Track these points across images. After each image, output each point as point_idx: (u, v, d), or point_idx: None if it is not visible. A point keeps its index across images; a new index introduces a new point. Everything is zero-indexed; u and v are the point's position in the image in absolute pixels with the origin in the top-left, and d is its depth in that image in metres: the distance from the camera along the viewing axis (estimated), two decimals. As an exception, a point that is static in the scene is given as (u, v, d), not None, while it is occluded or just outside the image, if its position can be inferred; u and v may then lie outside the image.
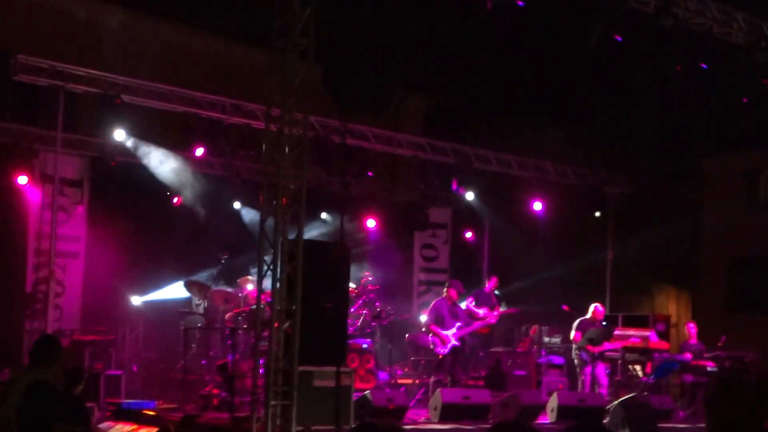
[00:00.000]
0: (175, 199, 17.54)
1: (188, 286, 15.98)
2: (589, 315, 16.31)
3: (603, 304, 17.17)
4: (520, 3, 12.36)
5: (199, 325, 15.33)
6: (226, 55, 20.32)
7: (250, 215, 18.07)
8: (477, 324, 15.87)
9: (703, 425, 13.86)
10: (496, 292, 18.28)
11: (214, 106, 16.46)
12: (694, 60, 13.91)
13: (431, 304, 15.74)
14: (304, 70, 11.32)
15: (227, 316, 14.77)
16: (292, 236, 11.14)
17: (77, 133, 16.91)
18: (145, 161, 16.91)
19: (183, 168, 17.24)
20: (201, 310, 15.69)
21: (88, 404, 11.82)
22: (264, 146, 11.37)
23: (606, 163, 21.65)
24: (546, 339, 18.38)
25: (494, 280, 18.61)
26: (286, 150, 11.27)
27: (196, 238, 17.49)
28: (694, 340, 17.00)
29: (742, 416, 3.96)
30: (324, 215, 19.49)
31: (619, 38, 13.14)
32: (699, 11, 13.70)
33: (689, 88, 17.26)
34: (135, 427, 10.57)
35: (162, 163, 16.98)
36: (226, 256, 16.38)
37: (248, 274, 15.42)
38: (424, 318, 16.12)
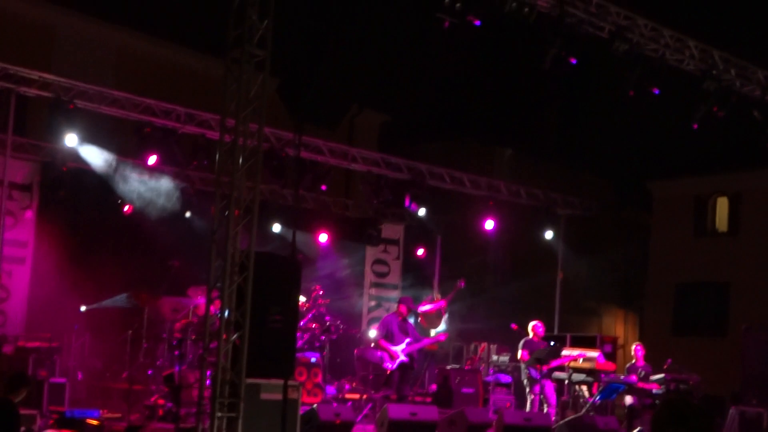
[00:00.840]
0: (126, 207, 17.38)
1: (136, 294, 15.80)
2: (530, 334, 16.43)
3: (547, 323, 17.25)
4: (477, 23, 12.41)
5: (145, 334, 15.18)
6: (182, 63, 20.24)
7: (201, 225, 17.95)
8: (426, 341, 15.88)
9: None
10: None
11: (169, 114, 16.35)
12: (646, 85, 14.07)
13: (381, 320, 15.74)
14: (260, 81, 11.30)
15: (176, 326, 14.64)
16: (243, 248, 11.09)
17: (28, 137, 16.72)
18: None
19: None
20: (146, 320, 15.54)
21: (31, 412, 11.69)
22: (218, 156, 11.32)
23: (558, 184, 21.83)
24: (494, 357, 18.45)
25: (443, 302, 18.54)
26: (240, 161, 11.23)
27: (146, 246, 17.33)
28: (640, 362, 17.15)
29: None
30: (276, 227, 19.43)
31: (573, 61, 13.26)
32: (653, 38, 13.91)
33: (641, 113, 17.51)
34: (78, 436, 10.42)
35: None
36: (175, 265, 16.22)
37: (198, 284, 15.30)
38: (373, 333, 16.10)
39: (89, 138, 16.16)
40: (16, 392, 8.61)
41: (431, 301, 16.51)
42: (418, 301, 17.30)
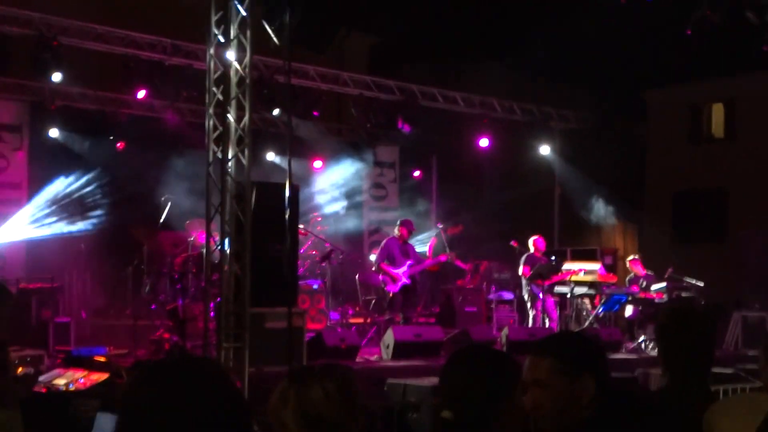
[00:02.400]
0: (118, 143, 17.23)
1: (134, 230, 15.73)
2: (531, 249, 16.44)
3: (546, 238, 17.22)
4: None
5: (147, 270, 15.12)
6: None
7: (195, 158, 17.79)
8: (428, 262, 15.88)
9: (650, 355, 14.08)
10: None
11: (154, 47, 16.09)
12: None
13: (382, 243, 15.70)
14: (246, 7, 11.09)
15: (176, 260, 14.60)
16: (239, 178, 11.00)
17: (13, 77, 16.46)
18: None
19: None
20: (147, 255, 15.48)
21: (38, 352, 11.71)
22: (207, 87, 11.16)
23: (551, 98, 21.63)
24: (496, 275, 18.47)
25: (459, 227, 18.49)
26: (231, 90, 11.09)
27: (141, 181, 17.19)
28: (642, 273, 17.19)
29: (693, 344, 4.00)
30: (270, 156, 19.31)
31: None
32: (644, -58, 13.64)
33: (634, 22, 17.25)
34: (86, 373, 10.43)
35: None
36: (169, 200, 16.11)
37: (196, 217, 15.22)
38: (374, 257, 16.06)
39: (76, 75, 15.92)
40: None
41: (433, 256, 16.37)
42: (419, 226, 17.22)
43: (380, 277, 15.33)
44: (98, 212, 17.45)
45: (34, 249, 16.81)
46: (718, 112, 25.23)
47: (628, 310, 16.54)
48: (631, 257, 17.93)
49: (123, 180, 17.41)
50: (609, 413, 3.32)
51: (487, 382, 3.12)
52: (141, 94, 15.92)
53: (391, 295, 15.11)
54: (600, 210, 23.13)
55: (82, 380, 10.28)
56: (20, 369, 10.05)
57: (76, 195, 17.32)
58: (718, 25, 14.56)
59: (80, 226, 17.34)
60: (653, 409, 3.80)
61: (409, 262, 15.12)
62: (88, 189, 17.31)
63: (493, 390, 3.10)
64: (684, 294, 16.49)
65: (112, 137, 17.16)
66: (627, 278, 17.75)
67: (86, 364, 10.97)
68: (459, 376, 3.21)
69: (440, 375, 3.30)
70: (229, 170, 11.00)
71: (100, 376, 10.33)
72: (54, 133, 16.94)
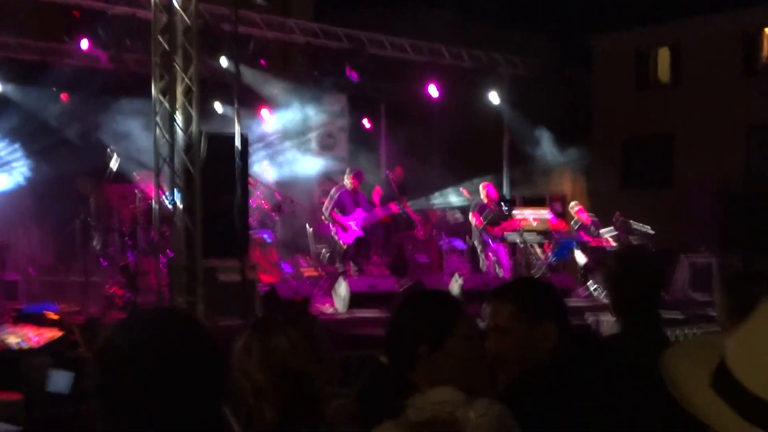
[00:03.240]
0: (62, 94, 16.87)
1: (80, 183, 15.45)
2: (482, 197, 16.42)
3: (498, 186, 17.26)
4: None
5: (95, 224, 14.88)
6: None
7: (139, 108, 17.49)
8: (379, 212, 15.83)
9: (601, 302, 14.24)
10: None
11: (97, -5, 15.69)
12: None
13: (333, 193, 15.58)
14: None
15: (124, 213, 14.38)
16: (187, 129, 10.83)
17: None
18: None
19: None
20: (94, 209, 15.22)
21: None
22: (153, 36, 10.95)
23: (500, 44, 21.55)
24: (450, 221, 18.48)
25: (398, 170, 18.40)
26: (177, 39, 10.88)
27: (86, 133, 16.88)
28: (588, 220, 17.26)
29: (643, 289, 4.05)
30: (217, 107, 19.03)
31: None
32: None
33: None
34: (38, 330, 10.27)
35: None
36: (115, 152, 15.83)
37: (144, 169, 14.98)
38: (326, 207, 15.96)
39: (15, 25, 15.52)
40: None
41: (382, 206, 16.27)
42: (369, 175, 17.14)
43: (332, 227, 15.25)
44: (42, 165, 17.09)
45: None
46: (663, 56, 25.38)
47: (581, 257, 16.64)
48: (573, 204, 17.94)
49: (67, 131, 17.06)
50: (568, 359, 3.33)
51: (417, 326, 3.07)
52: (84, 44, 15.55)
53: (344, 245, 15.05)
54: (548, 156, 23.23)
55: (35, 338, 10.13)
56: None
57: (18, 146, 16.94)
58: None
59: (21, 179, 17.00)
60: (610, 354, 3.83)
61: (360, 212, 15.06)
62: (31, 142, 16.92)
63: (421, 334, 3.05)
64: (633, 240, 16.65)
65: (55, 88, 16.77)
66: (574, 225, 17.85)
67: (38, 321, 10.81)
68: (396, 319, 3.18)
69: (389, 314, 3.29)
70: (177, 121, 10.83)
71: (53, 334, 10.19)
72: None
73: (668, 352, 3.67)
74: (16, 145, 16.83)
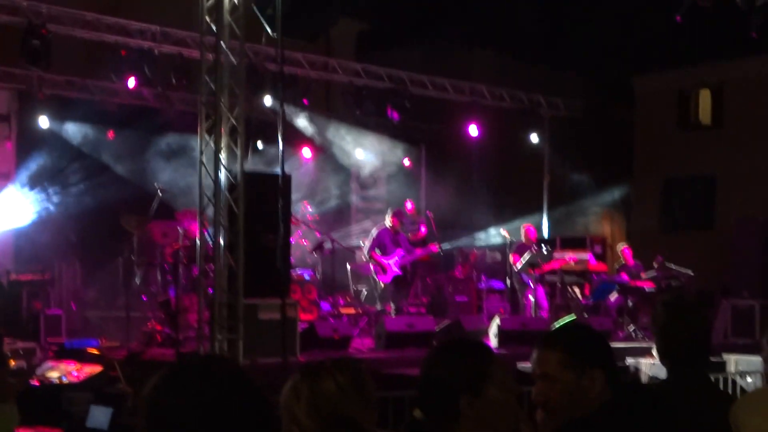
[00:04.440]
0: (109, 132, 17.12)
1: (125, 220, 15.62)
2: (522, 238, 16.44)
3: (538, 227, 17.25)
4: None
5: (138, 261, 15.03)
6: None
7: (186, 148, 17.71)
8: (418, 252, 15.84)
9: (641, 344, 14.10)
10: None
11: (144, 34, 15.95)
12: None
13: (374, 232, 15.64)
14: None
15: (167, 250, 14.51)
16: (231, 168, 10.95)
17: (1, 65, 16.31)
18: None
19: None
20: (138, 246, 15.37)
21: (29, 344, 11.66)
22: (201, 75, 11.10)
23: (541, 85, 21.59)
24: (489, 262, 18.48)
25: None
26: (223, 79, 11.02)
27: (132, 170, 17.09)
28: (630, 262, 17.20)
29: (690, 336, 4.05)
30: (259, 145, 19.20)
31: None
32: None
33: (623, 8, 17.27)
34: (79, 366, 10.38)
35: None
36: (161, 189, 16.03)
37: (186, 207, 15.14)
38: (365, 247, 16.00)
39: (65, 63, 15.80)
40: None
41: (422, 246, 16.30)
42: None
43: (371, 266, 15.29)
44: (87, 201, 17.32)
45: (23, 239, 16.69)
46: (705, 98, 25.26)
47: (613, 299, 16.57)
48: (621, 245, 17.94)
49: (113, 168, 17.29)
50: (616, 407, 3.32)
51: (454, 377, 3.08)
52: (131, 82, 15.79)
53: (382, 285, 15.08)
54: (588, 197, 23.17)
55: (75, 373, 10.24)
56: (12, 362, 9.99)
57: (66, 183, 17.19)
58: (707, 10, 14.56)
59: (66, 214, 17.23)
60: (658, 402, 3.81)
61: (400, 252, 15.09)
62: (78, 178, 17.17)
63: (460, 385, 3.06)
64: (673, 283, 16.52)
65: (102, 126, 17.04)
66: (616, 266, 17.77)
67: (79, 356, 10.92)
68: (430, 371, 3.18)
69: (420, 367, 3.29)
70: (222, 160, 10.95)
71: (93, 369, 10.29)
72: (43, 122, 16.80)
73: (738, 404, 3.64)
74: (63, 181, 17.08)
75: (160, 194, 14.44)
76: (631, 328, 15.76)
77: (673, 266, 16.93)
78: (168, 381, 2.20)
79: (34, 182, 16.82)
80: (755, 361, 11.58)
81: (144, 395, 2.21)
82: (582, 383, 3.28)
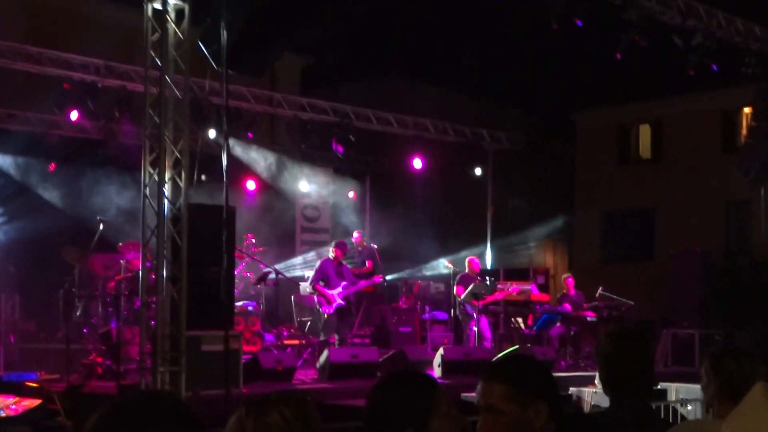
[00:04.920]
0: (50, 164, 17.00)
1: (65, 252, 15.48)
2: (467, 269, 16.61)
3: (482, 258, 17.44)
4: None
5: (78, 293, 14.89)
6: (99, 14, 19.69)
7: (128, 180, 17.64)
8: (362, 283, 15.91)
9: (584, 373, 14.27)
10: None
11: (87, 68, 15.92)
12: (569, 16, 14.10)
13: (317, 264, 15.70)
14: (183, 30, 11.08)
15: (109, 282, 14.41)
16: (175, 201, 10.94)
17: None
18: None
19: None
20: (78, 277, 15.23)
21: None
22: (147, 109, 11.10)
23: (484, 119, 21.88)
24: (433, 293, 18.62)
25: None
26: (167, 113, 11.03)
27: (73, 202, 16.97)
28: (572, 292, 17.44)
29: (633, 365, 4.11)
30: (204, 178, 19.14)
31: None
32: (574, -31, 13.90)
33: (565, 45, 17.59)
34: (17, 399, 10.23)
35: None
36: (102, 221, 15.93)
37: (128, 239, 15.06)
38: (309, 278, 16.05)
39: (7, 96, 15.71)
40: None
41: (367, 278, 16.41)
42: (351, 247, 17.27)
43: (315, 298, 15.33)
44: (27, 233, 17.14)
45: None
46: (645, 133, 25.78)
47: (555, 327, 16.80)
48: (565, 275, 18.20)
49: (54, 201, 17.15)
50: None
51: (400, 410, 3.12)
52: (74, 115, 15.73)
53: (326, 316, 15.12)
54: (531, 228, 23.44)
55: (14, 406, 10.09)
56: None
57: (6, 215, 17.01)
58: (646, 49, 14.92)
59: (4, 246, 17.05)
60: (601, 431, 3.86)
61: (343, 284, 15.15)
62: (18, 210, 16.99)
63: (405, 417, 3.10)
64: (614, 312, 16.77)
65: (43, 158, 16.92)
66: (558, 296, 17.99)
67: (17, 389, 10.77)
68: (375, 403, 3.21)
69: (365, 400, 3.31)
70: (165, 193, 10.94)
71: (32, 402, 10.14)
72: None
73: None
74: (3, 213, 16.89)
75: (101, 227, 14.34)
76: (573, 357, 15.95)
77: (614, 296, 17.19)
78: (109, 417, 2.22)
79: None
80: (695, 389, 11.79)
81: (85, 431, 2.23)
82: (526, 415, 3.29)
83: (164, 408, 2.25)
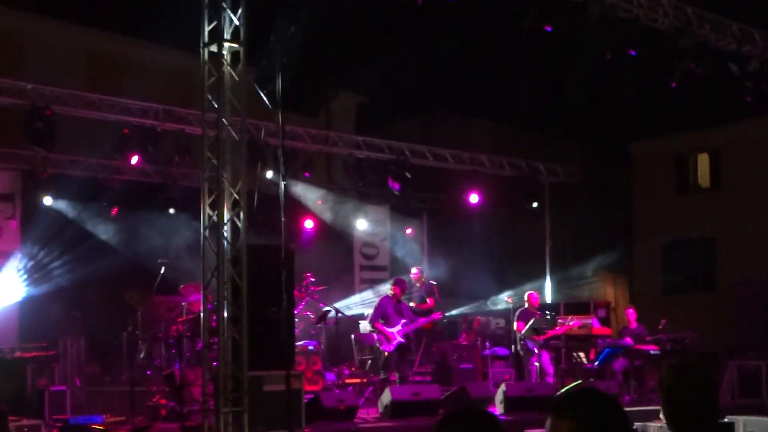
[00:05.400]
0: (112, 209, 17.29)
1: (128, 295, 15.69)
2: (526, 304, 16.53)
3: (541, 292, 17.35)
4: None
5: (141, 335, 15.06)
6: (155, 60, 20.07)
7: (188, 222, 17.87)
8: (421, 320, 15.89)
9: (649, 407, 14.07)
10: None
11: (146, 113, 16.22)
12: (622, 47, 14.08)
13: (376, 302, 15.73)
14: (239, 72, 11.24)
15: (171, 324, 14.56)
16: (234, 242, 11.05)
17: (6, 146, 16.54)
18: None
19: None
20: (141, 320, 15.40)
21: (34, 422, 11.65)
22: (205, 151, 11.26)
23: (539, 152, 21.83)
24: (493, 328, 18.52)
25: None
26: (225, 155, 11.17)
27: (135, 246, 17.21)
28: (634, 325, 17.25)
29: (697, 399, 4.02)
30: (263, 218, 19.32)
31: (548, 28, 13.26)
32: (625, -1, 13.91)
33: (619, 75, 17.51)
34: (84, 443, 10.37)
35: None
36: (164, 264, 16.13)
37: (190, 281, 15.22)
38: (368, 316, 16.07)
39: (68, 143, 16.03)
40: None
41: (426, 315, 16.40)
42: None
43: (375, 336, 15.33)
44: (91, 278, 17.41)
45: (27, 316, 16.76)
46: (703, 161, 25.50)
47: (617, 364, 16.61)
48: (627, 307, 18.05)
49: (116, 244, 17.41)
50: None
51: None
52: (134, 159, 16.02)
53: (386, 354, 15.10)
54: (590, 261, 23.25)
55: (81, 450, 10.22)
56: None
57: (70, 260, 17.29)
58: (702, 76, 14.82)
59: (69, 291, 17.32)
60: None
61: (403, 321, 15.14)
62: (81, 254, 17.27)
63: None
64: (677, 345, 16.52)
65: (105, 203, 17.21)
66: (619, 329, 17.79)
67: (84, 433, 10.91)
68: None
69: None
70: (225, 234, 11.06)
71: (99, 445, 10.27)
72: (47, 201, 16.99)
73: None
74: (67, 258, 17.19)
75: (163, 269, 14.53)
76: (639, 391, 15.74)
77: (676, 329, 16.96)
78: None
79: (38, 259, 16.93)
80: (764, 421, 11.58)
81: None
82: None
83: None
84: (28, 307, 16.81)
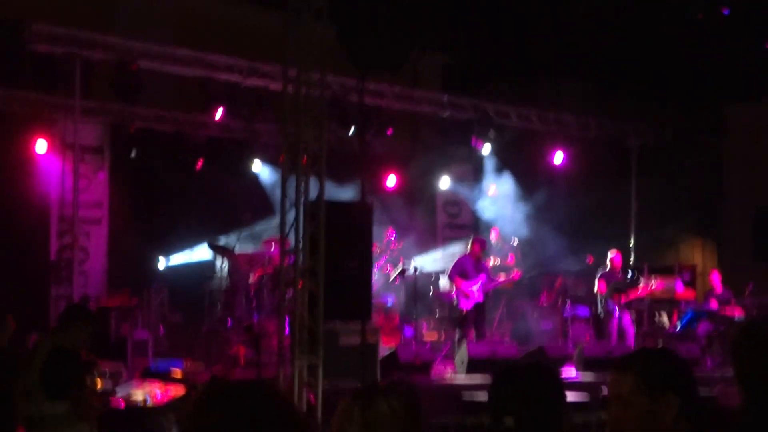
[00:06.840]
0: (197, 163, 17.55)
1: (212, 248, 16.00)
2: (608, 265, 16.32)
3: (622, 253, 17.09)
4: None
5: (223, 286, 15.35)
6: (241, 16, 20.17)
7: (271, 178, 18.07)
8: (501, 279, 15.85)
9: (730, 373, 13.85)
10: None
11: (231, 68, 16.36)
12: (715, 6, 13.73)
13: (456, 259, 15.71)
14: (320, 29, 11.27)
15: (251, 277, 14.82)
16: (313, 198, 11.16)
17: (95, 100, 16.87)
18: None
19: None
20: (225, 272, 15.69)
21: (117, 366, 11.99)
22: (284, 107, 11.34)
23: (628, 114, 21.43)
24: (574, 288, 18.36)
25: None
26: (304, 110, 11.24)
27: (219, 201, 17.48)
28: (719, 289, 16.92)
29: (766, 356, 3.91)
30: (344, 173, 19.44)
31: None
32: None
33: (711, 36, 17.07)
34: (163, 387, 10.63)
35: None
36: (249, 218, 16.38)
37: (271, 235, 15.43)
38: (448, 273, 16.07)
39: (155, 97, 16.29)
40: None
41: (506, 273, 16.33)
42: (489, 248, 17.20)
43: (453, 293, 15.34)
44: (173, 229, 17.73)
45: (115, 266, 17.18)
46: (799, 126, 24.74)
47: (701, 328, 16.31)
48: (712, 271, 17.70)
49: (200, 199, 17.69)
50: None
51: (537, 400, 3.15)
52: (218, 114, 16.22)
53: (464, 312, 15.11)
54: (677, 224, 22.80)
55: (159, 395, 10.49)
56: (99, 384, 10.27)
57: (156, 214, 17.63)
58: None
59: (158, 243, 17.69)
60: (735, 428, 3.70)
61: (482, 278, 15.11)
62: (165, 206, 17.58)
63: (543, 407, 3.12)
64: (764, 310, 16.18)
65: (190, 157, 17.47)
66: (705, 293, 17.48)
67: (163, 377, 11.18)
68: (510, 394, 3.23)
69: (489, 392, 3.32)
70: (304, 188, 11.15)
71: (177, 391, 10.52)
72: (134, 153, 17.31)
73: None
74: (152, 211, 17.52)
75: (247, 223, 14.76)
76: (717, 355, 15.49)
77: (764, 294, 16.59)
78: (202, 405, 2.31)
79: (126, 212, 17.29)
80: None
81: (183, 418, 2.33)
82: (656, 407, 3.25)
83: (261, 399, 2.31)
84: (115, 257, 17.21)
